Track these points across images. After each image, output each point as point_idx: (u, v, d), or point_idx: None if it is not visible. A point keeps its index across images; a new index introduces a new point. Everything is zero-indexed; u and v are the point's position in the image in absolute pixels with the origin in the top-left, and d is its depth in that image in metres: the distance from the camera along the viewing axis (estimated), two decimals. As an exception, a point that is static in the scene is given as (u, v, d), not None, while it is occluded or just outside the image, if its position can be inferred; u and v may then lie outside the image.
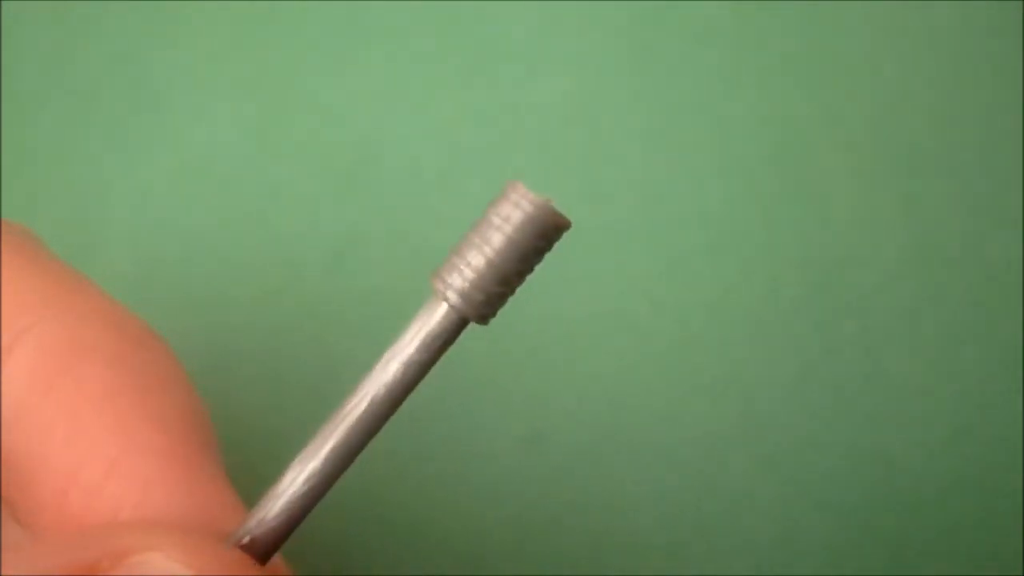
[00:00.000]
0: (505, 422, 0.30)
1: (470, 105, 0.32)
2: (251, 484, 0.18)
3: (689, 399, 0.31)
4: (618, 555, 0.30)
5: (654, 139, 0.32)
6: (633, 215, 0.32)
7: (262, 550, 0.16)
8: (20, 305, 0.17)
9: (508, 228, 0.15)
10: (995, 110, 0.32)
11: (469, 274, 0.15)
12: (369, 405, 0.16)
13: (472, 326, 0.16)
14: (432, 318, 0.16)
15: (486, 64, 0.32)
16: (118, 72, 0.32)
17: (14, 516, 0.18)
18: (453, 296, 0.16)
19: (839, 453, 0.31)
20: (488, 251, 0.15)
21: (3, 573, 0.14)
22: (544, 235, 0.15)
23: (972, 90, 0.33)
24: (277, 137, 0.32)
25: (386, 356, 0.16)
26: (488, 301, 0.16)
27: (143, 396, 0.17)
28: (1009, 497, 0.30)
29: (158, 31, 0.32)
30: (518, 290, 0.16)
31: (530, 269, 0.16)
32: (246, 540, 0.16)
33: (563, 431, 0.30)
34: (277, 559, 0.17)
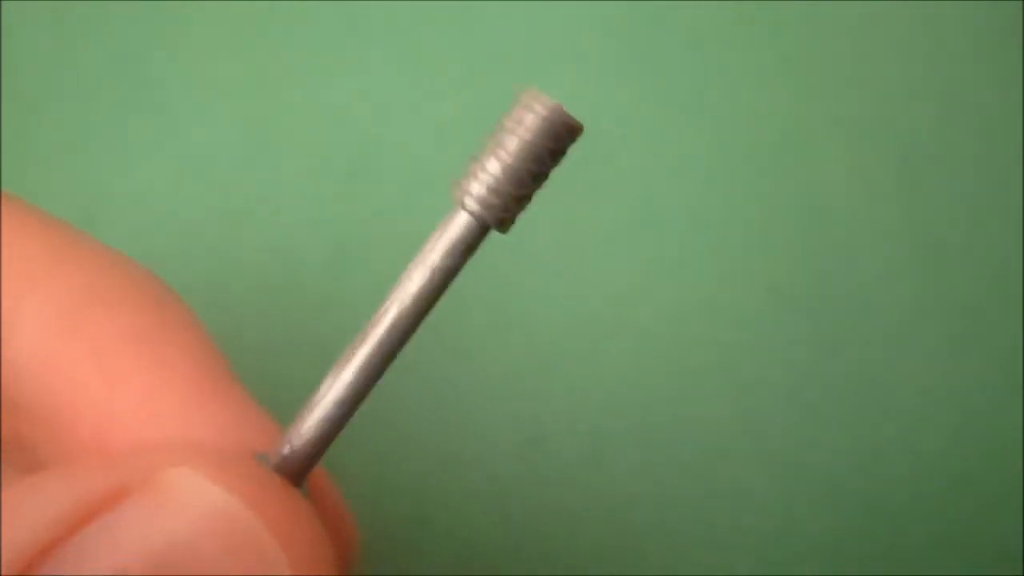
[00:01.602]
0: (506, 422, 0.30)
1: (470, 105, 0.32)
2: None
3: (688, 399, 0.31)
4: (618, 555, 0.30)
5: (654, 139, 0.32)
6: (633, 215, 0.32)
7: (300, 464, 0.16)
8: (29, 259, 0.18)
9: (521, 130, 0.16)
10: (995, 110, 0.32)
11: (485, 178, 0.16)
12: (397, 314, 0.16)
13: (494, 234, 0.16)
14: (452, 225, 0.16)
15: (486, 64, 0.33)
16: (118, 72, 0.32)
17: (33, 468, 0.18)
18: (470, 202, 0.16)
19: (839, 453, 0.31)
20: (503, 155, 0.16)
21: (26, 499, 0.14)
22: (556, 136, 0.16)
23: (972, 90, 0.33)
24: (277, 137, 0.32)
25: (411, 266, 0.16)
26: (505, 205, 0.16)
27: (166, 334, 0.17)
28: (1009, 497, 0.30)
29: (158, 31, 0.32)
30: (535, 197, 0.16)
31: (545, 173, 0.16)
32: (286, 451, 0.16)
33: (563, 431, 0.30)
34: (319, 470, 0.17)
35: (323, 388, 0.16)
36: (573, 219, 0.31)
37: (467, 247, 0.16)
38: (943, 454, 0.31)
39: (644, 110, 0.32)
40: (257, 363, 0.30)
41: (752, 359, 0.31)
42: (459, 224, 0.16)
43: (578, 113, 0.34)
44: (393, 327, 0.16)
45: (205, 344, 0.18)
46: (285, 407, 0.30)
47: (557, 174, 0.34)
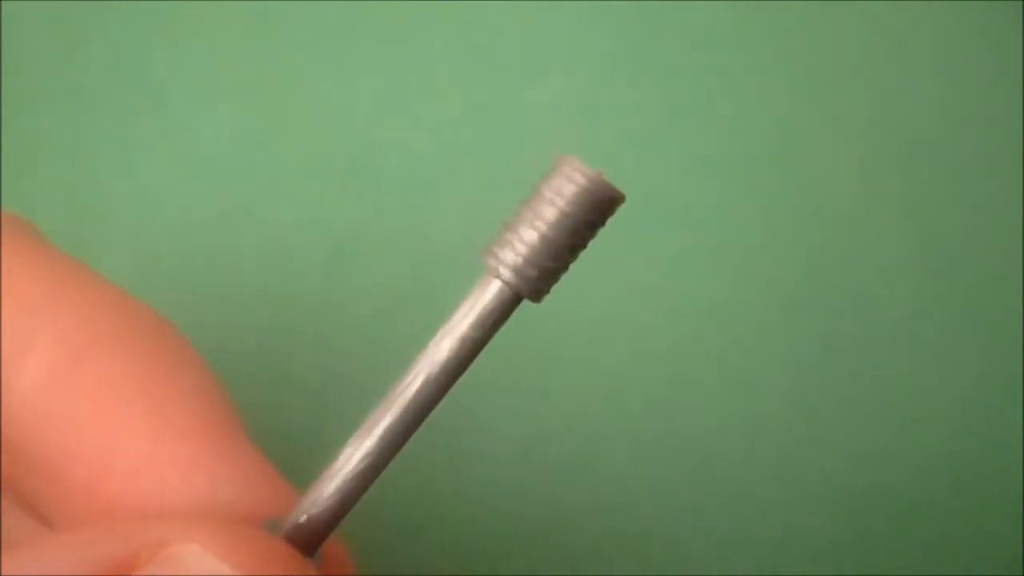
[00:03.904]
0: (506, 423, 0.30)
1: (470, 105, 0.32)
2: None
3: (689, 399, 0.31)
4: (619, 555, 0.30)
5: (654, 139, 0.32)
6: (633, 215, 0.32)
7: (315, 532, 0.16)
8: (29, 300, 0.17)
9: (561, 202, 0.15)
10: (995, 110, 0.32)
11: (522, 250, 0.15)
12: (424, 383, 0.16)
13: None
14: (485, 295, 0.15)
15: (486, 64, 0.33)
16: (118, 72, 0.32)
17: (33, 509, 0.18)
18: (506, 272, 0.15)
19: (839, 453, 0.31)
20: (541, 226, 0.15)
21: (33, 567, 0.14)
22: (598, 209, 0.15)
23: (972, 90, 0.33)
24: (277, 137, 0.32)
25: (440, 334, 0.16)
26: (542, 277, 0.15)
27: (169, 379, 0.17)
28: (1009, 498, 0.30)
29: (158, 31, 0.32)
30: (571, 266, 0.15)
31: (584, 244, 0.15)
32: (302, 519, 0.16)
33: (564, 431, 0.30)
34: (333, 540, 0.17)
35: (344, 456, 0.16)
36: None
37: (500, 318, 0.15)
38: (943, 454, 0.31)
39: (644, 110, 0.32)
40: (256, 363, 0.30)
41: (752, 359, 0.31)
42: (493, 294, 0.15)
43: (579, 112, 0.35)
44: (418, 396, 0.16)
45: (209, 389, 0.18)
46: (284, 407, 0.30)
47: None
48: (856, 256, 0.32)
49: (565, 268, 0.15)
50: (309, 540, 0.16)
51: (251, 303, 0.31)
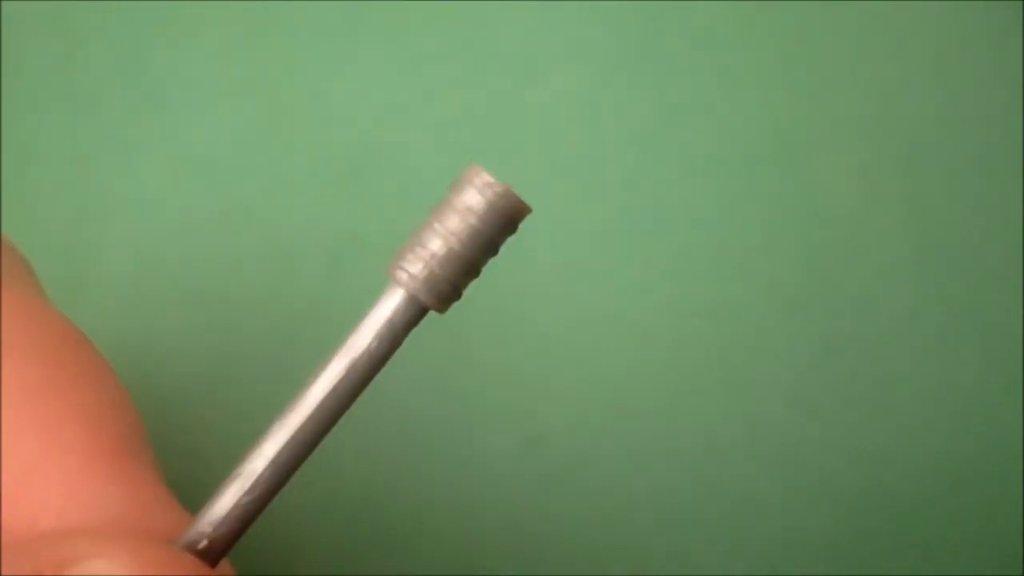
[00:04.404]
0: (505, 424, 0.30)
1: (470, 105, 0.32)
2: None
3: (689, 400, 0.31)
4: (619, 557, 0.30)
5: (654, 139, 0.32)
6: (632, 215, 0.32)
7: (213, 552, 0.16)
8: None
9: (472, 217, 0.15)
10: (995, 110, 0.32)
11: (432, 263, 0.15)
12: (325, 396, 0.15)
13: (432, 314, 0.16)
14: (394, 307, 0.15)
15: (486, 64, 0.33)
16: (118, 72, 0.32)
17: None
18: (415, 285, 0.15)
19: (839, 453, 0.31)
20: (451, 240, 0.15)
21: None
22: (507, 222, 0.15)
23: (972, 90, 0.33)
24: (277, 137, 0.32)
25: (342, 349, 0.15)
26: (452, 289, 0.15)
27: (66, 393, 0.16)
28: (1009, 497, 0.30)
29: (158, 31, 0.32)
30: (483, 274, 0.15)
31: (493, 254, 0.15)
32: (202, 544, 0.15)
33: (563, 433, 0.30)
34: (224, 562, 0.16)
35: (235, 484, 0.15)
36: (573, 219, 0.31)
37: (405, 330, 0.15)
38: (943, 454, 0.31)
39: (644, 110, 0.32)
40: (256, 363, 0.30)
41: (752, 359, 0.31)
42: (401, 306, 0.15)
43: (579, 112, 0.35)
44: (318, 411, 0.15)
45: (111, 403, 0.17)
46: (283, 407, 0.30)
47: (556, 174, 0.34)
48: (856, 256, 0.32)
49: (475, 278, 0.15)
50: (207, 558, 0.16)
51: (251, 303, 0.31)
